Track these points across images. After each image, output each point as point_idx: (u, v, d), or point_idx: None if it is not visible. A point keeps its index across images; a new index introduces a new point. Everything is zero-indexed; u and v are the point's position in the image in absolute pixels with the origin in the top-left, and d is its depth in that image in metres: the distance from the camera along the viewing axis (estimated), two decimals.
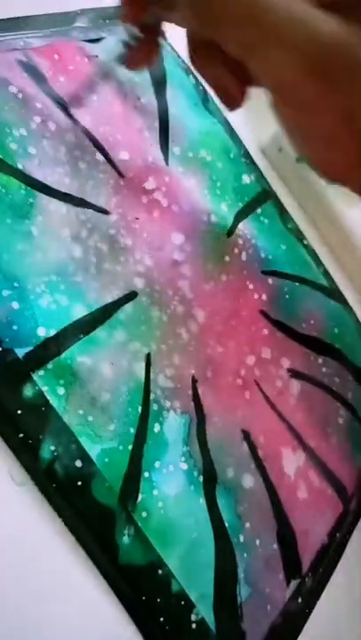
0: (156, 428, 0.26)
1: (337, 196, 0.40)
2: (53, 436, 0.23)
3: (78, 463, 0.23)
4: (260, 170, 0.39)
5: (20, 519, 0.22)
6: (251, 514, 0.28)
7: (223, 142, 0.37)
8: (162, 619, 0.23)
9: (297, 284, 0.36)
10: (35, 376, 0.23)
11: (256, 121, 0.41)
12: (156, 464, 0.25)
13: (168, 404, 0.27)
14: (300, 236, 0.39)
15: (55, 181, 0.28)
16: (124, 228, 0.29)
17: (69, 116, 0.30)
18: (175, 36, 0.38)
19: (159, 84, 0.35)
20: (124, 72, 0.33)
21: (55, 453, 0.23)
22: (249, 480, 0.28)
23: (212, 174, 0.35)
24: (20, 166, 0.27)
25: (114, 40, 0.34)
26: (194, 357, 0.29)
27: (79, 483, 0.23)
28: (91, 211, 0.28)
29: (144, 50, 0.25)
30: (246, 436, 0.29)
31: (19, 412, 0.23)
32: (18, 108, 0.28)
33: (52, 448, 0.23)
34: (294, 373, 0.33)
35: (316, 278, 0.38)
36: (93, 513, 0.23)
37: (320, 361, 0.35)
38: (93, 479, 0.23)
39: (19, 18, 0.31)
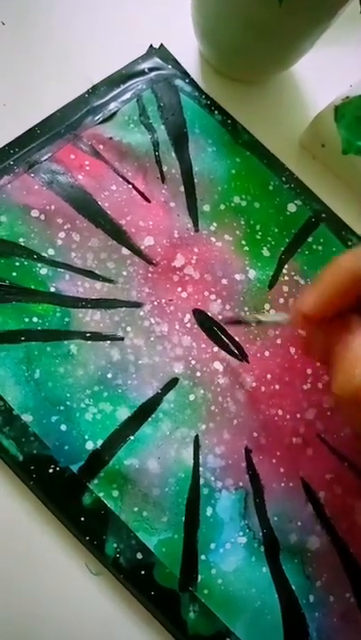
0: (208, 511, 0.28)
1: None
2: (114, 535, 0.27)
3: (139, 555, 0.27)
4: (307, 190, 0.36)
5: (100, 604, 0.27)
6: (321, 573, 0.29)
7: (260, 175, 0.35)
8: None
9: None
10: (90, 485, 0.27)
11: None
12: (212, 546, 0.28)
13: (220, 484, 0.29)
14: None
15: (86, 290, 0.30)
16: (157, 316, 0.31)
17: (90, 218, 0.31)
18: (189, 67, 0.37)
19: (180, 142, 0.34)
20: (141, 143, 0.34)
21: (118, 549, 0.27)
22: (315, 542, 0.29)
23: (250, 219, 0.34)
24: (52, 289, 0.30)
25: (128, 108, 0.34)
26: (245, 428, 0.30)
27: (142, 572, 0.27)
28: (123, 309, 0.31)
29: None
30: (311, 496, 0.30)
31: (82, 518, 0.27)
32: (42, 230, 0.31)
33: (115, 545, 0.27)
34: None
35: None
36: (159, 595, 0.27)
37: None
38: (155, 567, 0.27)
39: (32, 129, 0.33)
